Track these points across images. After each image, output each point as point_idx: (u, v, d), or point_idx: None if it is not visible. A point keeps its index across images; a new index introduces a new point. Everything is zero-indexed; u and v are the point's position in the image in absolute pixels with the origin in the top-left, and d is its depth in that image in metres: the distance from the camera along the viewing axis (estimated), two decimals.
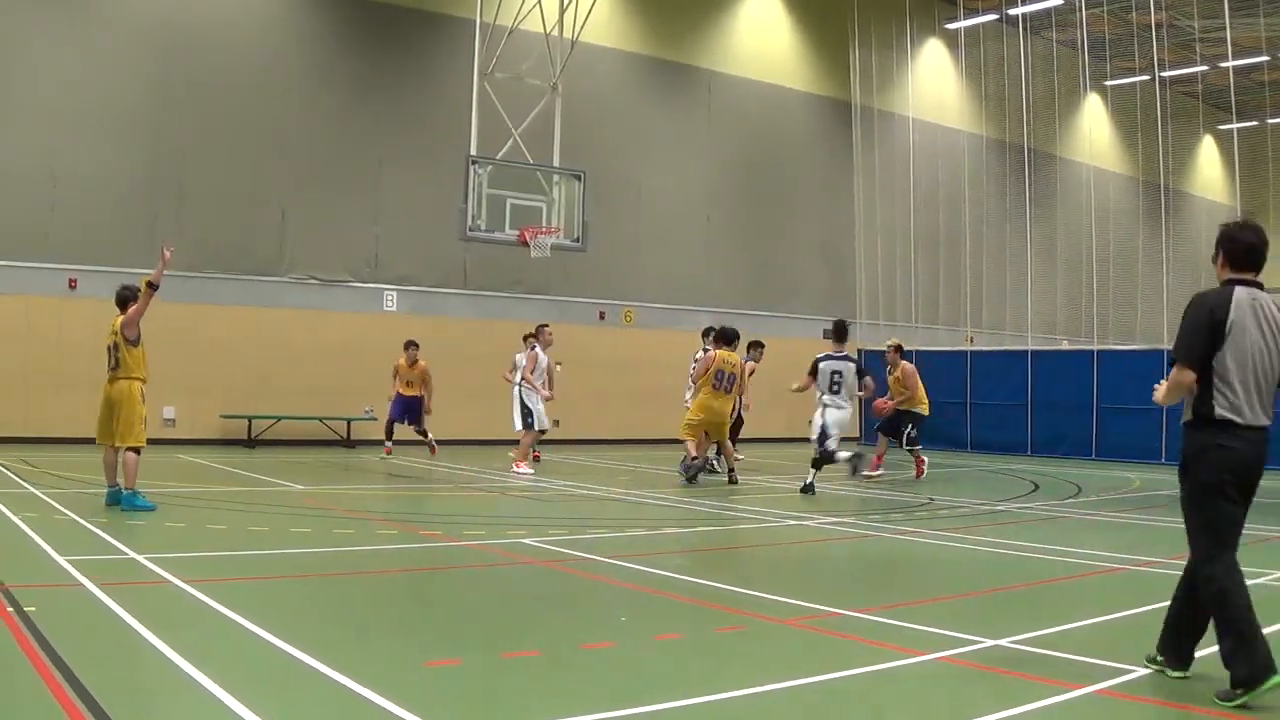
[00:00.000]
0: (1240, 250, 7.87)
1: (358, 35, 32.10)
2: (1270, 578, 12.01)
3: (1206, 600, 7.75)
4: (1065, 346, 38.54)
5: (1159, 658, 7.97)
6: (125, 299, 16.30)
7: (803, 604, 10.12)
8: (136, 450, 15.83)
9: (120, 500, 15.59)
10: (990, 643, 8.70)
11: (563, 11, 29.46)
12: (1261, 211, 52.84)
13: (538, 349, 25.20)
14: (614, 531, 14.90)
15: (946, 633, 8.99)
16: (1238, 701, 7.16)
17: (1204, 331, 7.60)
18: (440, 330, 30.69)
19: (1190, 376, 7.65)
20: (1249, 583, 10.68)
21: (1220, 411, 7.66)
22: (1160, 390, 8.03)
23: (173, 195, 29.56)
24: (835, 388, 20.94)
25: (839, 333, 21.43)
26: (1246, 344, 7.59)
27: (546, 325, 25.97)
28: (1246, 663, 7.23)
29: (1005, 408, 33.74)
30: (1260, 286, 7.81)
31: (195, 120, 29.89)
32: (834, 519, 16.90)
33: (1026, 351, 34.81)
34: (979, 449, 33.31)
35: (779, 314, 39.33)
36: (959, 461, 30.43)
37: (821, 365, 21.09)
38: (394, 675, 7.49)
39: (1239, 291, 7.67)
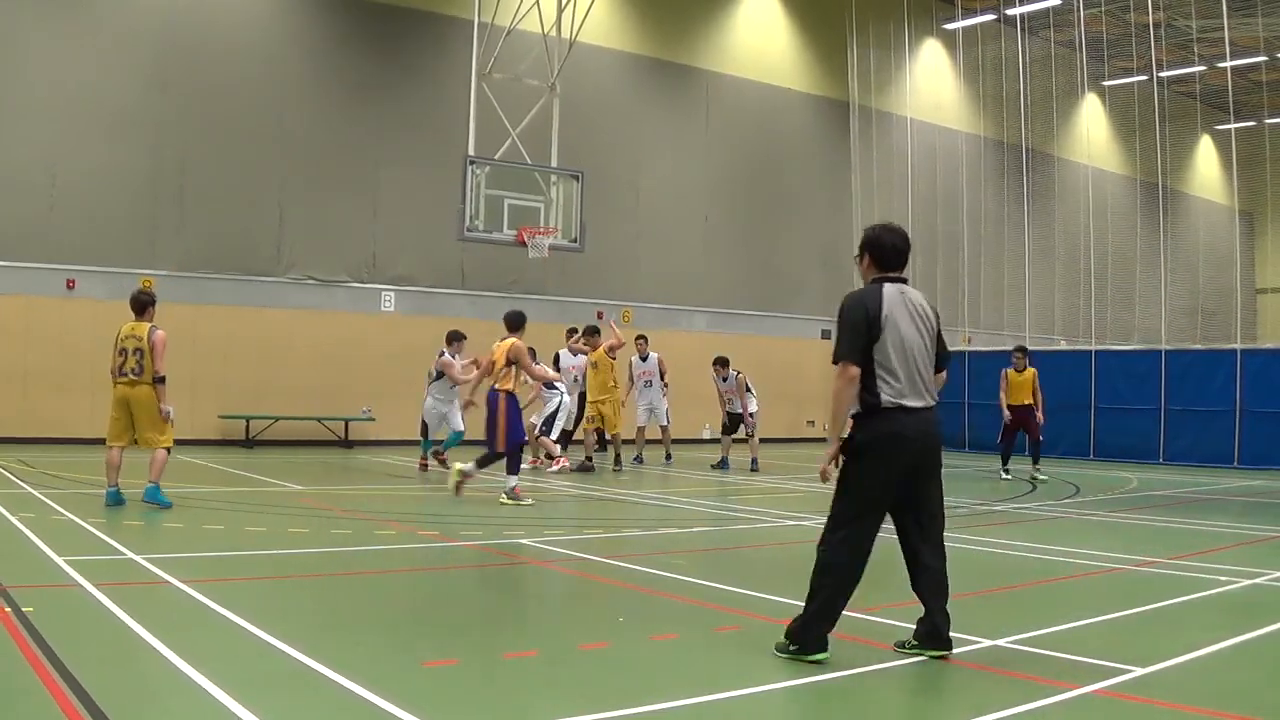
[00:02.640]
0: (886, 252, 8.56)
1: (356, 35, 32.10)
2: (1268, 577, 12.07)
3: (816, 567, 8.36)
4: (1063, 346, 38.58)
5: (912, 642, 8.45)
6: (144, 304, 16.31)
7: (801, 605, 10.14)
8: (167, 449, 16.12)
9: (143, 496, 15.78)
10: (989, 643, 8.74)
11: (560, 11, 29.50)
12: (1260, 210, 53.02)
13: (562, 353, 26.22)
14: (611, 532, 14.92)
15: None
16: (787, 654, 8.18)
17: (862, 327, 8.11)
18: (438, 331, 30.69)
19: (856, 371, 8.09)
20: (1247, 582, 10.76)
21: (887, 398, 8.10)
22: (835, 399, 8.30)
23: (172, 195, 29.57)
24: None
25: None
26: (901, 334, 8.16)
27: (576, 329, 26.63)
28: (812, 631, 8.16)
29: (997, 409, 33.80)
30: (905, 282, 8.51)
31: (194, 120, 29.88)
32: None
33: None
34: (977, 449, 33.30)
35: (777, 314, 39.40)
36: (958, 462, 30.47)
37: None
38: (392, 675, 7.50)
39: (888, 288, 8.32)
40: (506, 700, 7.14)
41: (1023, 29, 42.97)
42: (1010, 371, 25.25)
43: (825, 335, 39.82)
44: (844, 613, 8.16)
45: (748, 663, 8.20)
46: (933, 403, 8.33)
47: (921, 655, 8.22)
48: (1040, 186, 45.30)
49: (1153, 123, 40.99)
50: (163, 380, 15.90)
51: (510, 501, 17.55)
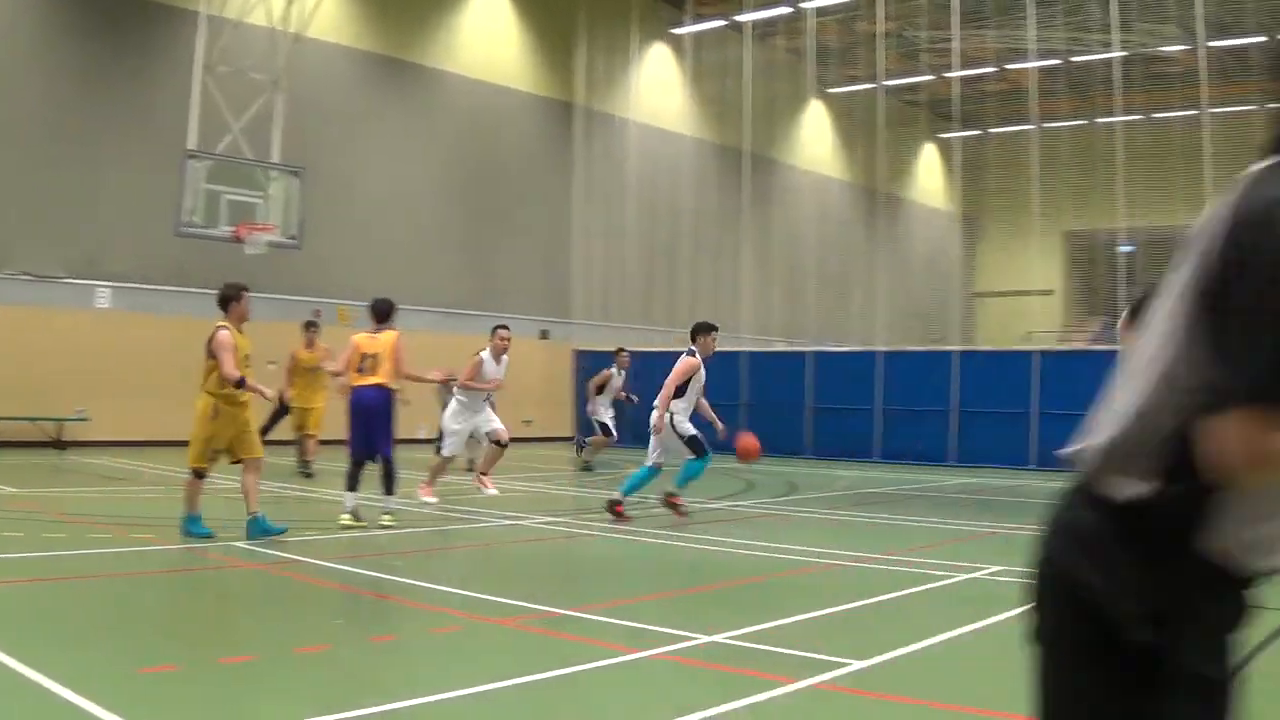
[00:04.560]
0: None
1: (78, 24, 31.18)
2: (983, 572, 12.41)
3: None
4: (781, 347, 39.17)
5: None
6: (226, 299, 14.52)
7: (519, 604, 10.14)
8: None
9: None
10: (706, 639, 8.78)
11: (289, 5, 29.13)
12: (980, 217, 54.36)
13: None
14: (328, 534, 14.76)
15: (663, 629, 9.09)
16: None
17: None
18: (157, 329, 30.01)
19: None
20: (963, 577, 11.07)
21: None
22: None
23: None
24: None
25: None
26: None
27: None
28: None
29: (721, 408, 33.74)
30: None
31: None
32: (550, 519, 16.96)
33: (740, 353, 35.23)
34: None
35: (498, 315, 39.25)
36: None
37: None
38: (109, 683, 7.30)
39: None
40: (227, 705, 6.99)
41: (749, 36, 43.51)
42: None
43: (544, 335, 39.91)
44: (561, 611, 8.18)
45: (468, 663, 8.18)
46: None
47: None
48: (763, 191, 45.92)
49: (877, 130, 41.83)
50: (240, 385, 13.96)
51: (391, 521, 15.53)
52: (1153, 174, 42.44)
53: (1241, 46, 43.61)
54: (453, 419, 18.93)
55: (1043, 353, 32.55)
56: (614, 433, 27.42)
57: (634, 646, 8.55)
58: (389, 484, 15.53)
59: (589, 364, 36.75)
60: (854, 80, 48.57)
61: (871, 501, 20.28)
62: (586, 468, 27.40)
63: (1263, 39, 42.08)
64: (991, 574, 12.44)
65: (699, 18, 44.56)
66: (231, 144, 27.58)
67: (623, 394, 27.63)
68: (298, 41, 29.21)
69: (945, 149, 56.47)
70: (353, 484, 15.41)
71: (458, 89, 38.94)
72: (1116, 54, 38.99)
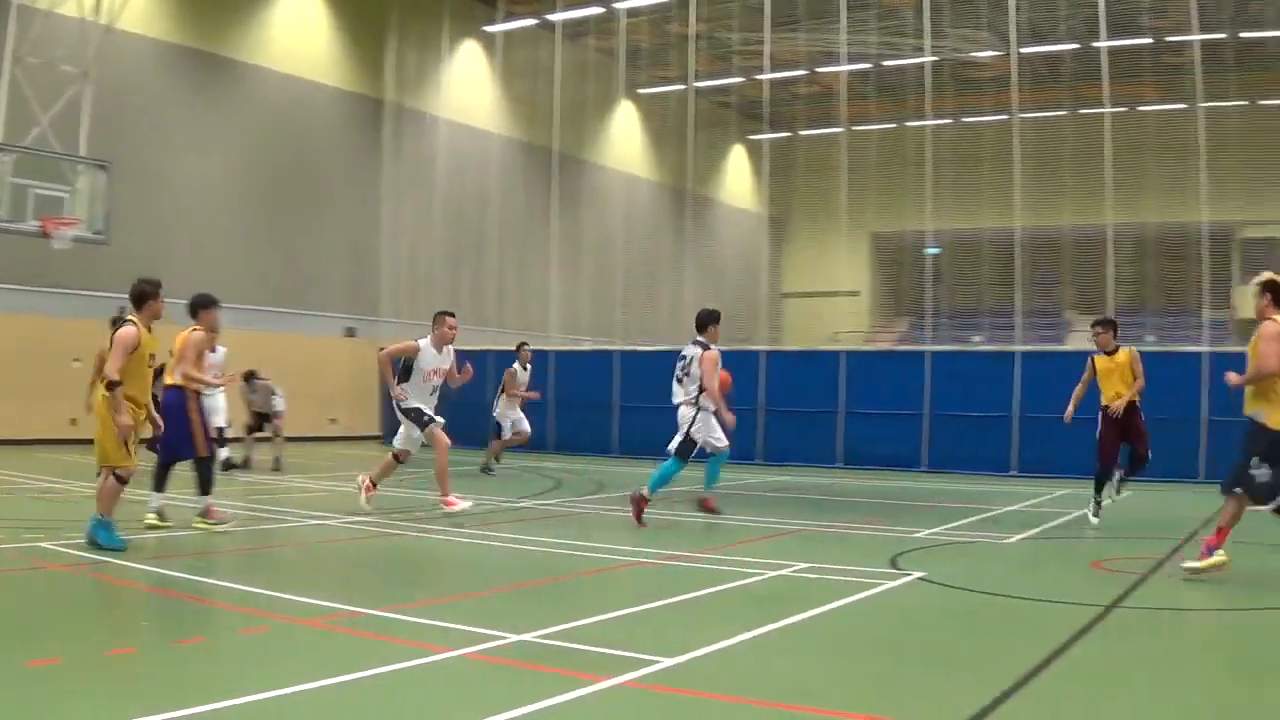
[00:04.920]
0: None
1: None
2: (794, 569, 12.53)
3: None
4: (588, 346, 39.23)
5: None
6: (144, 295, 13.65)
7: (327, 604, 10.04)
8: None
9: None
10: (515, 638, 8.74)
11: None
12: (788, 218, 54.90)
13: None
14: (133, 534, 14.50)
15: (472, 629, 9.02)
16: None
17: None
18: None
19: None
20: (773, 574, 11.20)
21: None
22: None
23: None
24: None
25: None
26: None
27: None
28: None
29: (529, 406, 34.09)
30: None
31: None
32: (358, 519, 16.78)
33: (548, 352, 35.24)
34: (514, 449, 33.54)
35: (304, 312, 38.89)
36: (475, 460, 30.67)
37: None
38: None
39: None
40: (33, 711, 6.81)
41: (560, 35, 43.48)
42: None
43: (350, 333, 39.64)
44: (369, 611, 8.13)
45: (277, 665, 8.08)
46: None
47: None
48: (573, 191, 45.97)
49: (687, 131, 42.03)
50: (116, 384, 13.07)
51: (206, 525, 15.05)
52: (961, 177, 43.19)
53: (1054, 53, 44.55)
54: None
55: (849, 353, 32.97)
56: (527, 428, 26.72)
57: (443, 646, 8.48)
58: (203, 485, 15.16)
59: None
60: (665, 81, 48.82)
61: (681, 500, 20.37)
62: (486, 469, 26.28)
63: (1075, 46, 43.00)
64: (799, 571, 12.55)
65: (511, 16, 44.48)
66: (39, 136, 27.08)
67: (524, 391, 26.93)
68: (108, 33, 28.75)
69: (755, 150, 56.92)
70: (158, 484, 14.97)
71: (268, 83, 38.47)
72: (928, 59, 39.58)
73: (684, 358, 17.77)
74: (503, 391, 26.53)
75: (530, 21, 44.61)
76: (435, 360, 17.51)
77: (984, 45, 43.89)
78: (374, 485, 17.58)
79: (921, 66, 40.13)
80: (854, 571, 12.42)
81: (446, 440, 17.24)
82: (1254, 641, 9.90)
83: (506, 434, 26.52)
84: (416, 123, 42.32)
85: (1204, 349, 30.04)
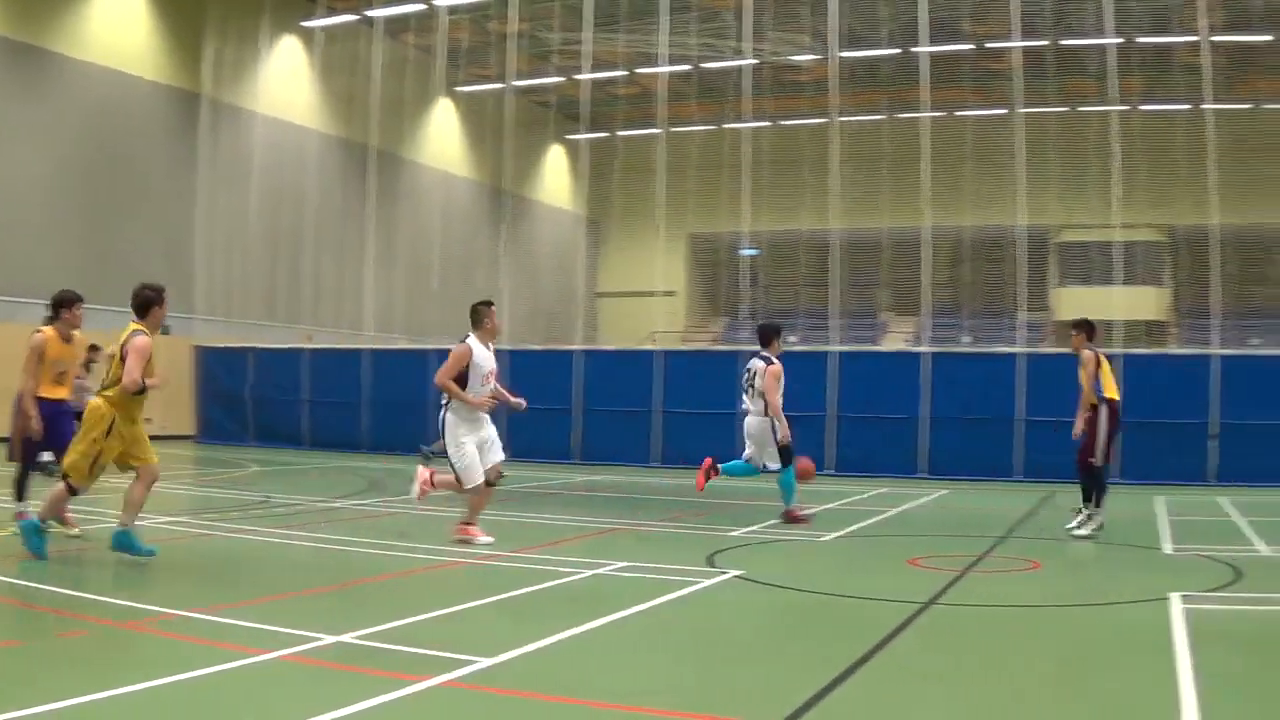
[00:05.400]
0: None
1: None
2: (610, 568, 12.54)
3: None
4: (404, 345, 38.99)
5: None
6: (149, 302, 13.18)
7: (144, 606, 9.88)
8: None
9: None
10: (333, 639, 8.68)
11: None
12: (605, 218, 54.98)
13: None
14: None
15: (289, 630, 8.93)
16: None
17: None
18: None
19: None
20: (589, 573, 11.18)
21: None
22: None
23: None
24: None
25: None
26: None
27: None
28: None
29: (343, 405, 33.78)
30: None
31: None
32: (170, 518, 16.55)
33: (361, 351, 34.99)
34: (318, 446, 33.14)
35: (119, 309, 38.02)
36: (297, 459, 30.33)
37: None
38: None
39: None
40: None
41: (379, 31, 43.15)
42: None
43: (165, 331, 39.00)
44: (186, 614, 8.00)
45: (95, 669, 7.94)
46: None
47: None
48: (390, 188, 45.69)
49: (505, 131, 41.91)
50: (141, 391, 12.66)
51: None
52: (779, 179, 43.52)
53: (874, 58, 45.08)
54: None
55: (666, 353, 33.07)
56: None
57: (260, 648, 8.37)
58: (17, 489, 14.77)
59: (211, 361, 36.07)
60: (484, 80, 48.70)
61: (500, 499, 20.26)
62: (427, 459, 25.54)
63: (895, 51, 43.55)
64: (617, 570, 12.62)
65: (331, 11, 44.05)
66: None
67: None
68: None
69: (573, 150, 56.99)
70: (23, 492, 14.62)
71: (84, 76, 37.66)
72: (748, 61, 39.84)
73: (749, 370, 18.23)
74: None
75: (351, 17, 44.22)
76: (488, 359, 15.40)
77: (804, 49, 44.32)
78: (434, 485, 15.33)
79: (741, 69, 40.40)
80: (671, 570, 12.47)
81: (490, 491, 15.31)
82: (1070, 637, 10.09)
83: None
84: (234, 118, 41.75)
85: (1020, 350, 30.61)
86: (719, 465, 18.31)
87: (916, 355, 30.28)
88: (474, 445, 14.78)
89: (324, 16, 44.15)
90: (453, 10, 43.01)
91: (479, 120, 49.73)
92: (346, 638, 8.74)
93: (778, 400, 17.72)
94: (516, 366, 32.58)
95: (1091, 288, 47.22)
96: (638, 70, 47.57)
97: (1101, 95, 38.05)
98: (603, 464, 30.10)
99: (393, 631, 9.09)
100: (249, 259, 40.41)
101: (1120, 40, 38.94)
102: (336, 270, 43.68)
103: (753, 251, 43.84)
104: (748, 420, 18.24)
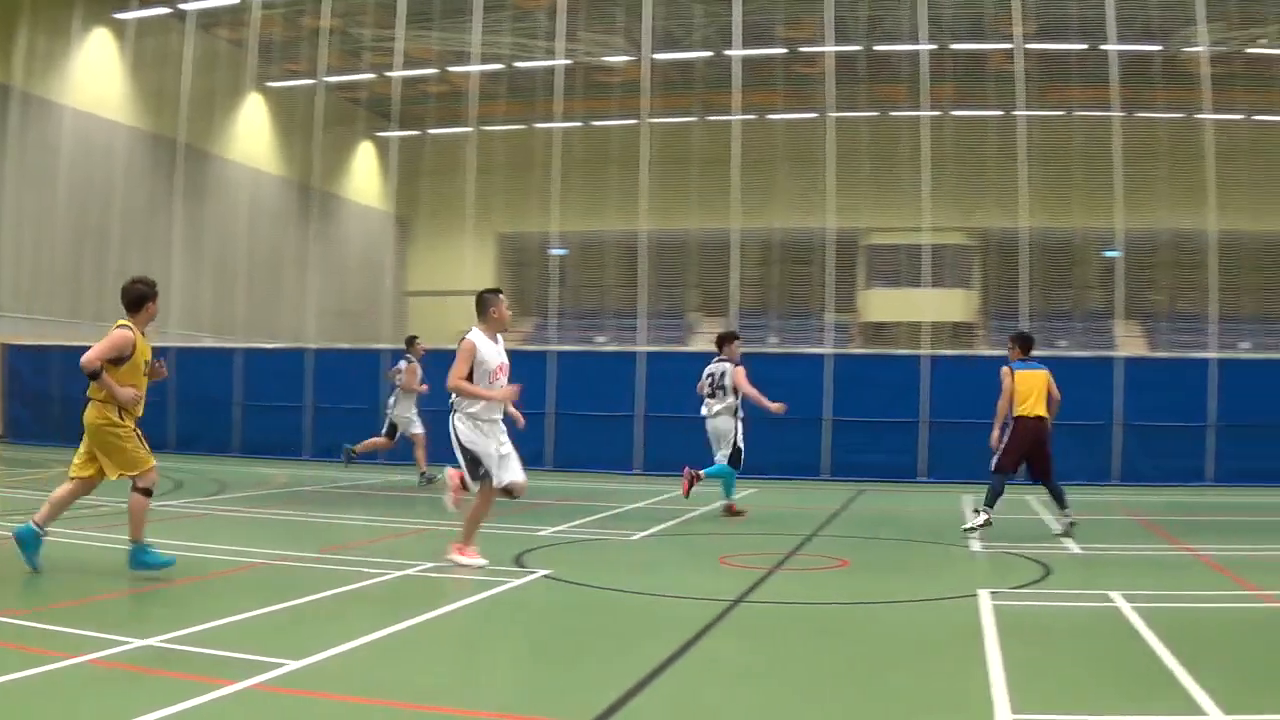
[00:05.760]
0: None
1: None
2: (418, 568, 12.55)
3: None
4: (210, 343, 38.46)
5: None
6: (143, 296, 12.53)
7: None
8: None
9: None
10: (140, 643, 8.58)
11: None
12: (413, 216, 54.65)
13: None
14: None
15: (94, 634, 8.80)
16: None
17: None
18: None
19: None
20: (397, 574, 11.16)
21: None
22: None
23: None
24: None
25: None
26: None
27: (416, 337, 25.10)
28: None
29: (150, 404, 33.10)
30: None
31: None
32: None
33: (167, 348, 34.45)
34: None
35: None
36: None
37: None
38: None
39: None
40: None
41: (195, 25, 42.43)
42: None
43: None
44: None
45: None
46: None
47: None
48: (197, 183, 44.95)
49: (315, 127, 41.48)
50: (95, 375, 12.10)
51: None
52: (588, 180, 43.57)
53: (687, 60, 45.31)
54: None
55: None
56: (418, 430, 24.70)
57: (65, 652, 8.24)
58: None
59: (17, 360, 35.27)
60: (295, 75, 48.12)
61: (306, 500, 20.14)
62: (429, 480, 23.98)
63: (708, 54, 43.80)
64: (423, 570, 12.70)
65: (143, 4, 43.20)
66: None
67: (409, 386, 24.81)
68: None
69: (383, 148, 56.50)
70: None
71: None
72: (561, 62, 39.81)
73: (711, 374, 19.56)
74: (401, 389, 24.75)
75: (163, 10, 43.40)
76: (495, 354, 13.70)
77: (617, 50, 44.41)
78: (466, 487, 13.49)
79: (553, 69, 40.36)
80: (479, 570, 12.44)
81: (494, 495, 13.61)
82: (880, 633, 10.29)
83: (413, 429, 24.85)
84: (43, 110, 40.80)
85: (827, 351, 31.03)
86: (701, 471, 19.11)
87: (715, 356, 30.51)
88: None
89: (136, 9, 43.28)
90: (266, 5, 42.43)
91: (289, 116, 49.13)
92: (154, 641, 8.65)
93: (754, 391, 19.10)
94: (323, 366, 32.39)
95: (899, 290, 47.98)
96: (449, 68, 47.33)
97: (913, 101, 38.58)
98: (404, 464, 29.87)
99: (201, 634, 8.99)
100: (55, 253, 39.58)
101: (934, 47, 39.53)
102: (143, 267, 42.62)
103: (561, 251, 43.85)
104: (713, 420, 19.51)
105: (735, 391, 19.30)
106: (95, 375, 11.97)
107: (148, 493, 12.21)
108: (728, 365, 19.29)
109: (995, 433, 17.59)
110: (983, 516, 16.94)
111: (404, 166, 49.41)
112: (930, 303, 42.73)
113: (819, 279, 38.13)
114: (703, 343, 39.88)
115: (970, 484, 25.47)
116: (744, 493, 21.77)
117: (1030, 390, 17.39)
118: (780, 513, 20.87)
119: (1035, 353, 17.95)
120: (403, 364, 24.69)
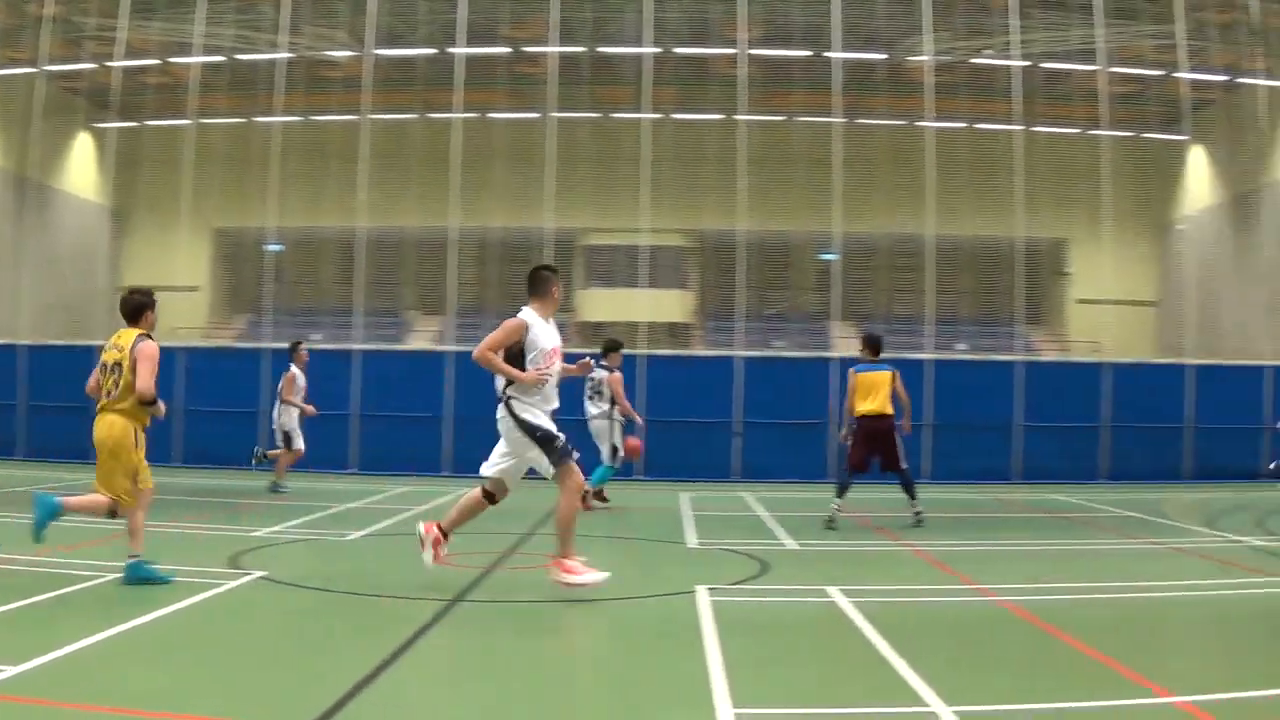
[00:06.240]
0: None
1: None
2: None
3: None
4: None
5: None
6: (141, 306, 12.56)
7: None
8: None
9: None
10: None
11: None
12: (132, 209, 53.41)
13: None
14: None
15: None
16: None
17: None
18: None
19: None
20: (111, 577, 10.81)
21: None
22: None
23: None
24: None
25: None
26: None
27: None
28: None
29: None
30: None
31: None
32: None
33: None
34: None
35: None
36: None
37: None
38: None
39: None
40: None
41: None
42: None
43: None
44: None
45: None
46: None
47: None
48: None
49: (34, 116, 40.33)
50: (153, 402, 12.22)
51: None
52: (307, 175, 43.02)
53: (409, 57, 44.99)
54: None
55: (189, 349, 32.32)
56: (294, 443, 23.50)
57: None
58: None
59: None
60: (14, 63, 46.72)
61: (15, 501, 19.50)
62: (276, 488, 23.02)
63: (431, 51, 43.53)
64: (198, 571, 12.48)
65: None
66: None
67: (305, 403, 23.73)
68: None
69: (101, 139, 55.16)
70: None
71: None
72: (283, 55, 39.23)
73: (593, 380, 20.95)
74: (281, 399, 23.58)
75: None
76: (550, 336, 12.48)
77: (340, 45, 43.93)
78: (446, 535, 12.65)
79: (275, 62, 39.77)
80: (194, 572, 12.31)
81: (581, 480, 12.74)
82: (600, 628, 10.53)
83: (296, 444, 23.59)
84: None
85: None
86: (587, 485, 18.77)
87: (441, 354, 30.45)
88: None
89: None
90: None
91: (7, 106, 47.70)
92: None
93: (625, 401, 21.15)
94: (35, 364, 31.48)
95: (616, 290, 48.33)
96: (171, 59, 46.36)
97: (636, 103, 38.84)
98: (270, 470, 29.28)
99: None
100: None
101: (658, 50, 39.87)
102: None
103: (277, 247, 43.22)
104: (592, 422, 21.12)
105: (611, 398, 21.04)
106: (154, 401, 12.22)
107: (114, 514, 12.02)
108: (606, 373, 20.99)
109: (843, 430, 19.31)
110: (834, 505, 18.37)
111: (122, 158, 48.29)
112: (647, 303, 43.09)
113: None
114: (420, 341, 39.71)
115: (689, 482, 25.81)
116: (460, 491, 21.71)
117: (872, 390, 18.66)
118: (496, 510, 20.75)
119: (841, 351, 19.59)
120: (296, 372, 23.81)
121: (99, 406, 12.32)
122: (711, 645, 9.23)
